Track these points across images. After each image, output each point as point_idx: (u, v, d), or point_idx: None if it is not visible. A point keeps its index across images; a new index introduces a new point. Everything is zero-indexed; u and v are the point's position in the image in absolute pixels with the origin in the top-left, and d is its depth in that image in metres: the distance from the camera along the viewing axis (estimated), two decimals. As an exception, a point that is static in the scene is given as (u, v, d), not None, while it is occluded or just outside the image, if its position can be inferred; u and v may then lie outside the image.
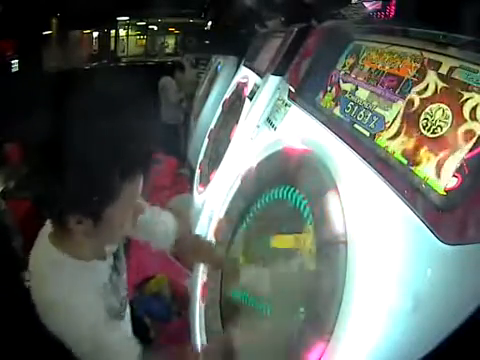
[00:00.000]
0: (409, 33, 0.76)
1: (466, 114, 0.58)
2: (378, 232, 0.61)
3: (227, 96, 2.09)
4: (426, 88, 0.68)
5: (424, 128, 0.65)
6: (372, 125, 0.79)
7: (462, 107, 0.59)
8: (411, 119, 0.69)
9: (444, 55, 0.67)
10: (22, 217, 1.84)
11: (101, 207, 0.69)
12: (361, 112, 0.85)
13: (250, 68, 1.91)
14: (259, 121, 1.33)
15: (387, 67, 0.82)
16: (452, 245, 0.48)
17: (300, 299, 0.74)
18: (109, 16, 7.69)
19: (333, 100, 1.00)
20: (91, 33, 8.15)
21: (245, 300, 0.93)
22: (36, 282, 0.77)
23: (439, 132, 0.61)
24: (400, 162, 0.67)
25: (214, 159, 1.90)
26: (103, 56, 7.90)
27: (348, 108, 0.91)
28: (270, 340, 0.79)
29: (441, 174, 0.58)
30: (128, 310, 1.01)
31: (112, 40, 8.25)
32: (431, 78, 0.67)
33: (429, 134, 0.63)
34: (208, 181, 1.76)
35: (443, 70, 0.66)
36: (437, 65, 0.68)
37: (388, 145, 0.72)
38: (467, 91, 0.59)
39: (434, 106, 0.65)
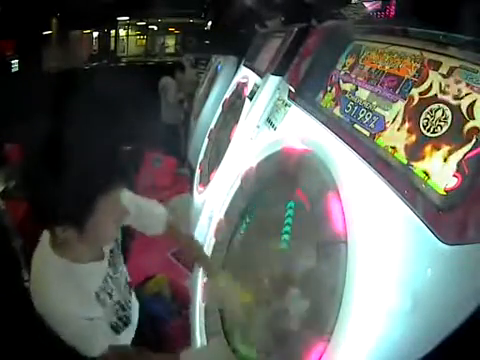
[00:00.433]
0: (409, 33, 0.76)
1: (466, 114, 0.58)
2: (378, 232, 0.61)
3: (227, 96, 2.09)
4: (430, 88, 0.67)
5: (424, 128, 0.65)
6: (372, 125, 0.79)
7: (462, 107, 0.59)
8: (412, 119, 0.69)
9: (444, 55, 0.67)
10: (21, 218, 1.84)
11: (82, 218, 0.73)
12: (361, 112, 0.85)
13: (250, 68, 1.91)
14: (259, 121, 1.33)
15: (387, 67, 0.82)
16: (452, 245, 0.48)
17: (300, 298, 0.74)
18: (109, 16, 7.69)
19: (333, 100, 1.00)
20: (91, 33, 8.15)
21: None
22: (35, 284, 0.81)
23: (439, 132, 0.62)
24: (400, 162, 0.67)
25: (214, 159, 1.90)
26: (103, 56, 7.90)
27: (348, 108, 0.91)
28: (270, 339, 0.79)
29: (441, 174, 0.58)
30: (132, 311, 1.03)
31: (112, 40, 8.25)
32: (435, 77, 0.67)
33: (429, 134, 0.63)
34: (208, 181, 1.77)
35: (443, 70, 0.66)
36: (437, 65, 0.68)
37: (388, 144, 0.72)
38: (467, 91, 0.59)
39: (434, 106, 0.65)
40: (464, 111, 0.59)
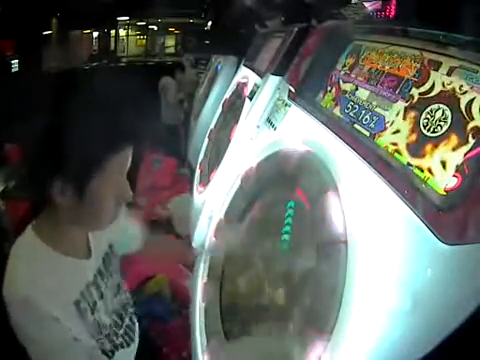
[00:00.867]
0: (409, 33, 0.76)
1: (466, 114, 0.58)
2: (378, 232, 0.61)
3: (227, 96, 2.09)
4: (431, 88, 0.67)
5: (424, 128, 0.65)
6: (372, 125, 0.79)
7: (462, 107, 0.59)
8: (412, 119, 0.69)
9: (444, 55, 0.67)
10: (20, 218, 1.84)
11: (85, 177, 0.68)
12: (361, 112, 0.85)
13: (250, 68, 1.91)
14: (259, 121, 1.33)
15: (387, 67, 0.82)
16: (452, 245, 0.48)
17: (300, 298, 0.74)
18: (109, 16, 7.69)
19: (333, 100, 1.00)
20: (91, 33, 8.16)
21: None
22: (11, 273, 0.71)
23: (439, 131, 0.62)
24: (400, 162, 0.67)
25: (214, 159, 1.90)
26: (103, 56, 7.91)
27: (348, 108, 0.91)
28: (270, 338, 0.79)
29: (441, 174, 0.58)
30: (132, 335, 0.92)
31: (112, 40, 8.26)
32: (436, 77, 0.67)
33: (429, 134, 0.63)
34: (208, 181, 1.76)
35: (443, 70, 0.66)
36: (437, 65, 0.68)
37: (388, 144, 0.72)
38: (467, 91, 0.59)
39: (434, 106, 0.65)
40: (464, 111, 0.59)
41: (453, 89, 0.62)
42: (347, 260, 0.64)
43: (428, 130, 0.64)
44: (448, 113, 0.61)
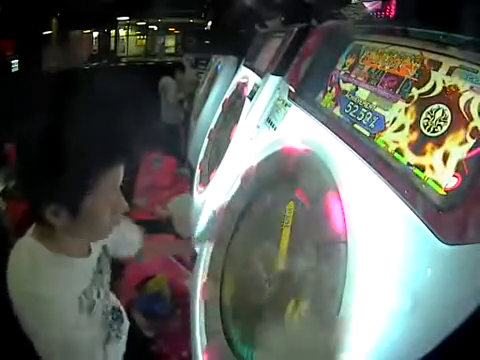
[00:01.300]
0: (409, 33, 0.76)
1: (466, 114, 0.58)
2: (378, 232, 0.61)
3: (227, 96, 2.09)
4: (432, 88, 0.67)
5: (424, 128, 0.65)
6: (372, 125, 0.79)
7: (462, 107, 0.59)
8: (412, 119, 0.69)
9: (444, 55, 0.66)
10: (20, 219, 1.84)
11: (78, 197, 0.68)
12: (361, 112, 0.85)
13: (250, 68, 1.91)
14: (259, 121, 1.33)
15: (387, 67, 0.82)
16: (452, 245, 0.48)
17: (300, 299, 0.74)
18: (109, 16, 7.69)
19: (333, 100, 1.00)
20: (91, 33, 8.15)
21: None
22: (13, 275, 0.73)
23: (439, 131, 0.62)
24: (400, 162, 0.67)
25: (214, 159, 1.90)
26: (103, 56, 7.90)
27: (348, 108, 0.91)
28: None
29: (441, 174, 0.58)
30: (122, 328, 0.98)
31: (112, 40, 8.25)
32: (437, 77, 0.67)
33: (429, 133, 0.63)
34: (208, 181, 1.76)
35: (443, 70, 0.66)
36: (437, 65, 0.68)
37: (388, 144, 0.72)
38: (467, 91, 0.59)
39: (434, 106, 0.65)
40: (463, 111, 0.59)
41: (453, 89, 0.62)
42: (347, 260, 0.64)
43: (428, 130, 0.64)
44: (448, 113, 0.61)
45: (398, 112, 0.73)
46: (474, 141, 0.55)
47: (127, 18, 8.33)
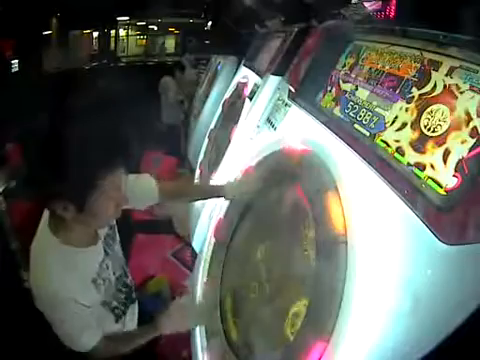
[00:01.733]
0: (409, 33, 0.76)
1: (465, 114, 0.58)
2: (378, 232, 0.61)
3: (227, 96, 2.09)
4: (433, 88, 0.67)
5: (425, 127, 0.65)
6: (372, 125, 0.79)
7: (462, 107, 0.59)
8: (412, 119, 0.69)
9: (444, 55, 0.67)
10: (21, 219, 1.84)
11: (83, 196, 0.75)
12: (361, 112, 0.85)
13: (250, 68, 1.91)
14: (259, 121, 1.33)
15: (387, 67, 0.82)
16: (452, 245, 0.48)
17: (300, 298, 0.74)
18: (109, 16, 7.69)
19: (333, 100, 1.00)
20: (91, 33, 8.14)
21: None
22: (34, 264, 0.82)
23: (439, 131, 0.62)
24: (400, 162, 0.67)
25: (214, 159, 1.90)
26: (103, 56, 7.90)
27: (348, 108, 0.91)
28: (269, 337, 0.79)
29: (441, 174, 0.58)
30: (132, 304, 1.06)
31: (112, 40, 8.24)
32: (437, 78, 0.67)
33: (430, 133, 0.63)
34: (208, 181, 1.76)
35: (443, 70, 0.66)
36: (437, 65, 0.68)
37: (388, 144, 0.72)
38: (466, 91, 0.59)
39: (434, 107, 0.65)
40: (464, 111, 0.59)
41: (453, 89, 0.62)
42: (347, 260, 0.64)
43: (428, 130, 0.64)
44: (448, 113, 0.61)
45: (399, 110, 0.73)
46: (474, 141, 0.55)
47: (127, 18, 8.32)
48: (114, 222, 1.03)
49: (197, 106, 3.32)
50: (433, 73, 0.68)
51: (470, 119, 0.57)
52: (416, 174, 0.62)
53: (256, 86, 1.56)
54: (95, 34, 8.19)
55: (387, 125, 0.75)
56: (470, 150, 0.55)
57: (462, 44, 0.61)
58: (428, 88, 0.68)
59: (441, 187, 0.57)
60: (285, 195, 0.94)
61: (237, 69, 2.31)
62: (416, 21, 0.73)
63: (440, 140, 0.61)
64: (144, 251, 2.21)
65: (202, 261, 1.22)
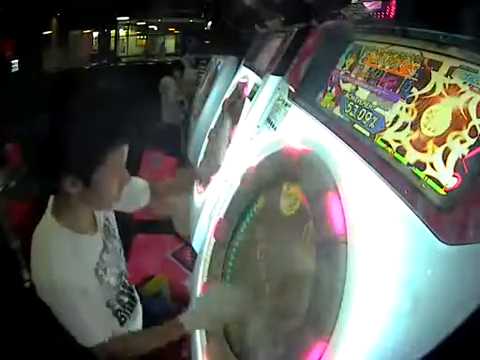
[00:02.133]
0: (409, 33, 0.76)
1: (465, 114, 0.58)
2: (378, 232, 0.61)
3: (227, 96, 2.09)
4: (432, 89, 0.67)
5: (425, 127, 0.65)
6: (372, 125, 0.79)
7: (462, 107, 0.59)
8: (412, 119, 0.69)
9: (444, 55, 0.66)
10: (21, 219, 1.84)
11: (90, 171, 0.81)
12: (361, 112, 0.85)
13: (250, 68, 1.91)
14: (259, 121, 1.33)
15: (387, 67, 0.82)
16: (452, 245, 0.48)
17: (300, 298, 0.74)
18: (109, 16, 7.69)
19: (333, 100, 1.00)
20: (91, 33, 8.14)
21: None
22: (36, 252, 0.84)
23: (439, 131, 0.61)
24: (400, 162, 0.67)
25: (214, 159, 1.90)
26: (103, 56, 7.90)
27: (348, 108, 0.91)
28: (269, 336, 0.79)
29: (441, 174, 0.58)
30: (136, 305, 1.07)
31: (112, 40, 8.25)
32: (437, 78, 0.67)
33: (430, 133, 0.63)
34: (208, 181, 1.76)
35: (443, 70, 0.66)
36: (437, 65, 0.68)
37: (389, 144, 0.72)
38: (466, 91, 0.59)
39: (434, 107, 0.65)
40: (464, 111, 0.59)
41: (453, 89, 0.62)
42: (347, 260, 0.64)
43: (428, 130, 0.64)
44: (448, 113, 0.61)
45: (399, 110, 0.73)
46: (474, 141, 0.55)
47: (127, 18, 8.33)
48: (111, 213, 1.06)
49: (197, 106, 3.32)
50: (433, 73, 0.68)
51: (470, 119, 0.57)
52: (416, 174, 0.62)
53: (256, 86, 1.56)
54: (95, 34, 8.19)
55: (387, 125, 0.75)
56: (470, 150, 0.55)
57: (462, 44, 0.61)
58: (428, 88, 0.68)
59: (441, 187, 0.57)
60: (285, 195, 0.94)
61: (237, 69, 2.31)
62: (416, 21, 0.73)
63: (440, 140, 0.61)
64: (144, 251, 2.21)
65: (202, 261, 1.22)
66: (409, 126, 0.69)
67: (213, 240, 1.19)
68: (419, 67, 0.72)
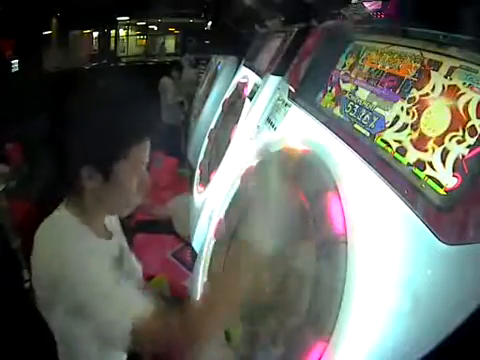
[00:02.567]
0: (409, 33, 0.76)
1: (465, 114, 0.58)
2: (378, 232, 0.61)
3: (227, 96, 2.09)
4: (432, 89, 0.67)
5: (425, 127, 0.65)
6: (372, 125, 0.79)
7: (462, 107, 0.59)
8: (412, 119, 0.69)
9: (444, 55, 0.67)
10: (21, 219, 1.84)
11: (110, 163, 0.76)
12: (361, 112, 0.85)
13: (250, 68, 1.91)
14: (259, 121, 1.33)
15: (387, 67, 0.82)
16: (452, 245, 0.48)
17: (300, 298, 0.74)
18: (109, 16, 7.70)
19: (333, 100, 1.00)
20: (91, 33, 8.14)
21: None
22: (49, 250, 0.75)
23: (439, 131, 0.62)
24: (400, 162, 0.67)
25: (214, 159, 1.90)
26: (103, 56, 7.90)
27: (348, 108, 0.91)
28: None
29: (441, 174, 0.58)
30: None
31: (112, 40, 8.25)
32: (437, 78, 0.67)
33: (430, 133, 0.63)
34: (208, 181, 1.76)
35: (443, 70, 0.66)
36: (437, 65, 0.68)
37: (389, 144, 0.72)
38: (466, 91, 0.59)
39: (434, 107, 0.65)
40: (464, 111, 0.59)
41: (452, 89, 0.62)
42: (347, 260, 0.64)
43: (428, 130, 0.64)
44: (448, 113, 0.61)
45: (400, 110, 0.73)
46: (474, 141, 0.55)
47: (127, 18, 8.33)
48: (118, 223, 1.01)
49: (197, 106, 3.32)
50: (433, 73, 0.68)
51: (469, 119, 0.57)
52: (416, 174, 0.62)
53: (256, 86, 1.56)
54: (95, 34, 8.20)
55: (387, 125, 0.75)
56: (470, 150, 0.55)
57: (462, 44, 0.61)
58: (428, 88, 0.68)
59: (441, 187, 0.57)
60: (285, 195, 0.94)
61: (237, 69, 2.31)
62: (416, 21, 0.73)
63: (440, 140, 0.61)
64: (144, 251, 2.20)
65: (202, 261, 1.22)
66: (409, 126, 0.69)
67: (213, 240, 1.19)
68: (419, 67, 0.72)
